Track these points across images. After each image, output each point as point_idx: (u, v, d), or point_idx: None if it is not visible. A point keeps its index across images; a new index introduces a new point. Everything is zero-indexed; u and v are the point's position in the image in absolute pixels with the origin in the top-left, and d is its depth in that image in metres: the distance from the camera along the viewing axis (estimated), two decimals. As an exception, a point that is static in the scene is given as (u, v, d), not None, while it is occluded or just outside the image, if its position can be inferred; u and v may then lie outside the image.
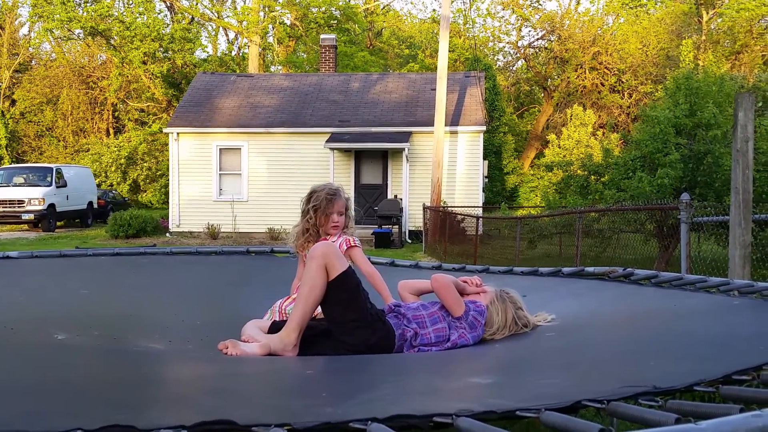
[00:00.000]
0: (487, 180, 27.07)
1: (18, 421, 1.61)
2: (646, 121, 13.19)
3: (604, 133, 32.38)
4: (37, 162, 36.40)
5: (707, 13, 37.27)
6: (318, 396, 2.09)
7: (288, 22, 39.05)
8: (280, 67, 41.50)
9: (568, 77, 38.60)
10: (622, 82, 37.59)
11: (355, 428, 1.58)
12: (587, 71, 38.16)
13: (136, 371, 2.56)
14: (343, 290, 3.11)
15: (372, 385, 2.30)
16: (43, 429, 1.47)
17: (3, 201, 22.42)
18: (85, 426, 1.49)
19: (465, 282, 3.48)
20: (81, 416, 1.61)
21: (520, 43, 42.59)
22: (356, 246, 3.90)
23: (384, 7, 45.71)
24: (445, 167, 20.24)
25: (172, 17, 41.72)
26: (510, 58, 45.37)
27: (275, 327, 3.21)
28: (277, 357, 2.97)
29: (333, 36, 27.50)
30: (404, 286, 3.64)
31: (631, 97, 37.59)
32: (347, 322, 3.10)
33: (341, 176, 21.05)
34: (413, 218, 20.61)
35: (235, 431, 1.55)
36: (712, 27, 37.82)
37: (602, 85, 38.23)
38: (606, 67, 37.91)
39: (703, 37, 36.83)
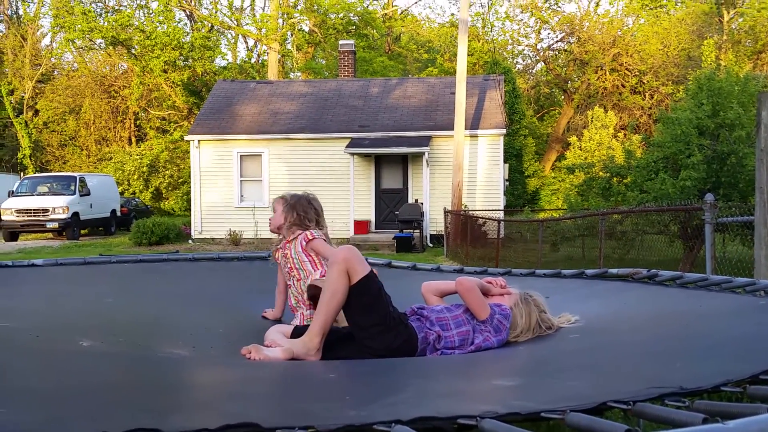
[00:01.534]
0: (508, 183, 26.98)
1: (43, 427, 1.62)
2: (667, 124, 13.10)
3: (625, 135, 32.15)
4: (60, 171, 36.77)
5: (728, 12, 36.93)
6: (341, 399, 2.09)
7: (307, 29, 39.22)
8: (299, 74, 41.66)
9: (588, 79, 38.38)
10: (643, 83, 37.31)
11: (379, 430, 1.58)
12: (608, 73, 37.91)
13: (160, 376, 2.57)
14: (365, 294, 3.10)
15: (395, 388, 2.30)
16: (69, 433, 1.48)
17: (28, 210, 22.65)
18: (109, 430, 1.50)
19: (489, 283, 3.46)
20: (106, 420, 1.62)
21: (539, 46, 42.44)
22: (315, 238, 3.96)
23: (402, 12, 45.77)
24: (465, 171, 20.19)
25: (191, 26, 42.04)
26: (529, 61, 45.21)
27: (298, 332, 3.21)
28: (299, 361, 2.98)
29: (352, 42, 27.58)
30: (428, 288, 3.62)
31: (652, 98, 37.30)
32: (370, 327, 3.10)
33: (361, 181, 21.08)
34: (434, 222, 20.58)
35: (259, 434, 1.56)
36: (734, 27, 37.45)
37: (623, 86, 37.96)
38: (627, 69, 37.65)
39: (725, 37, 36.47)
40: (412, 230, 19.09)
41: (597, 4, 47.86)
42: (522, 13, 42.42)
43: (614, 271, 4.48)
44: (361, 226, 20.61)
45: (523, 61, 45.31)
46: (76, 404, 1.96)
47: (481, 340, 3.17)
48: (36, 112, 41.48)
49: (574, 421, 1.63)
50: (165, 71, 36.19)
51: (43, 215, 22.65)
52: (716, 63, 29.32)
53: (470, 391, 2.21)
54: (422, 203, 20.15)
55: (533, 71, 45.10)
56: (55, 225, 22.73)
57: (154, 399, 2.07)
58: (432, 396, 2.09)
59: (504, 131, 21.36)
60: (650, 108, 35.83)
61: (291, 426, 1.55)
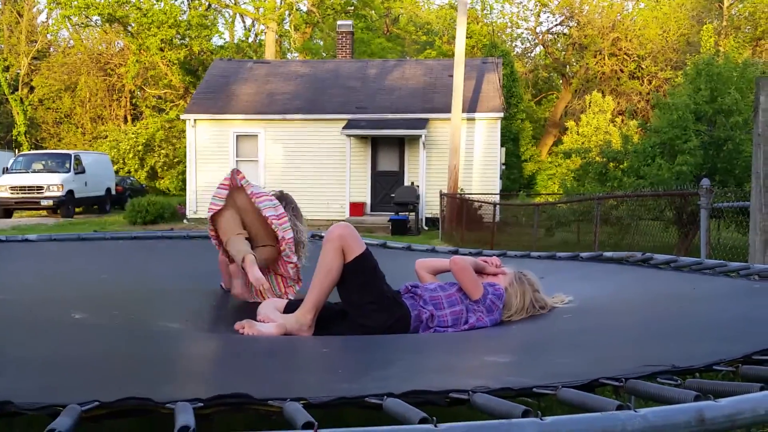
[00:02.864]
0: (504, 167, 26.95)
1: (37, 394, 1.62)
2: (663, 109, 13.07)
3: (623, 120, 32.10)
4: (55, 149, 36.62)
5: (728, -2, 36.82)
6: (334, 372, 2.09)
7: (305, 9, 38.98)
8: (296, 54, 41.44)
9: (586, 63, 38.26)
10: (642, 68, 37.22)
11: (371, 403, 1.58)
12: (606, 57, 37.80)
13: (153, 349, 2.57)
14: (360, 273, 3.09)
15: (388, 363, 2.30)
16: (62, 401, 1.48)
17: (22, 187, 22.57)
18: (103, 398, 1.50)
19: (485, 262, 3.46)
20: (98, 390, 1.62)
21: (538, 29, 42.27)
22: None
23: (401, -7, 45.51)
24: (462, 154, 20.15)
25: (189, 4, 41.75)
26: (528, 45, 45.04)
27: (291, 307, 3.21)
28: (292, 336, 2.98)
29: (350, 22, 27.43)
30: (421, 265, 3.61)
31: (650, 83, 37.22)
32: (364, 305, 3.09)
33: (358, 163, 21.03)
34: (430, 205, 20.56)
35: (250, 405, 1.56)
36: (733, 12, 37.34)
37: (621, 71, 37.86)
38: (625, 53, 37.53)
39: (724, 23, 36.37)
40: (407, 213, 19.08)
41: (597, -11, 47.56)
42: (521, -4, 42.23)
43: (609, 254, 4.48)
44: (356, 208, 20.59)
45: (522, 44, 45.17)
46: (68, 374, 1.95)
47: (474, 319, 3.16)
48: (31, 89, 41.27)
49: (566, 397, 1.63)
50: (161, 49, 35.98)
51: (37, 192, 22.57)
52: (715, 49, 29.25)
53: (463, 367, 2.21)
54: (418, 186, 20.13)
55: (532, 55, 44.95)
56: (50, 202, 22.66)
57: (146, 370, 2.07)
58: (424, 371, 2.09)
59: (501, 115, 21.31)
60: (648, 93, 35.73)
61: (282, 397, 1.55)
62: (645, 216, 11.57)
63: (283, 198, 4.21)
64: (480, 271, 3.38)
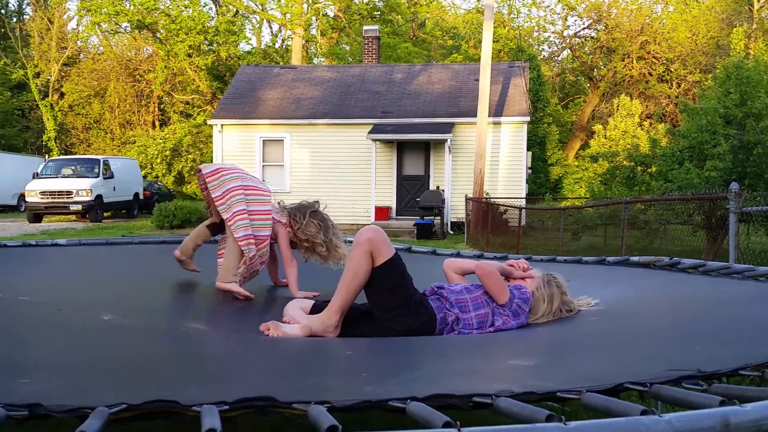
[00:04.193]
0: (530, 171, 26.81)
1: (66, 397, 1.65)
2: (691, 114, 12.94)
3: (651, 124, 31.83)
4: (84, 154, 37.05)
5: (758, 1, 36.36)
6: (358, 375, 2.10)
7: (331, 14, 39.12)
8: (323, 59, 41.60)
9: (614, 67, 37.99)
10: (671, 71, 36.88)
11: (395, 407, 1.58)
12: (634, 61, 37.51)
13: (179, 351, 2.59)
14: (389, 277, 3.08)
15: (412, 366, 2.30)
16: (90, 404, 1.50)
17: (52, 192, 22.84)
18: (130, 401, 1.52)
19: (512, 266, 3.44)
20: (126, 392, 1.64)
21: (565, 33, 42.06)
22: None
23: (427, -2, 45.52)
24: (488, 158, 20.08)
25: (216, 10, 42.10)
26: (555, 48, 44.83)
27: (317, 308, 3.21)
28: (317, 338, 2.99)
29: (376, 27, 27.46)
30: (449, 265, 3.60)
31: (679, 86, 36.88)
32: (391, 309, 3.08)
33: (383, 167, 21.05)
34: (455, 209, 20.51)
35: (275, 408, 1.57)
36: (764, 15, 36.86)
37: (650, 74, 37.55)
38: (654, 57, 37.22)
39: (754, 26, 35.92)
40: (432, 217, 19.04)
41: (624, -9, 47.22)
42: (548, -1, 42.06)
43: (636, 258, 4.45)
44: (382, 212, 20.60)
45: (549, 48, 44.98)
46: (96, 376, 1.98)
47: (501, 323, 3.15)
48: (61, 95, 41.81)
49: (590, 402, 1.63)
50: (189, 55, 36.30)
51: (66, 197, 22.82)
52: (745, 52, 28.91)
53: (486, 371, 2.21)
54: (443, 190, 20.09)
55: (559, 58, 44.74)
56: (79, 207, 22.90)
57: (173, 373, 2.09)
58: (448, 374, 2.09)
59: (528, 119, 21.20)
60: (677, 97, 35.37)
61: (307, 401, 1.56)
62: (673, 220, 11.45)
63: (306, 211, 4.31)
64: (507, 276, 3.37)
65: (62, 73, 42.07)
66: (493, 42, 25.20)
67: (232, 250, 4.11)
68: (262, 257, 4.23)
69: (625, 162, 14.56)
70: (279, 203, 4.51)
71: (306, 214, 4.32)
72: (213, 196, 4.19)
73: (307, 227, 4.25)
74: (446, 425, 1.39)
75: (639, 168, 13.92)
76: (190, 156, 35.61)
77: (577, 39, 41.86)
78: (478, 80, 20.35)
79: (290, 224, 4.30)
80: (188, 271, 4.57)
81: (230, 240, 4.15)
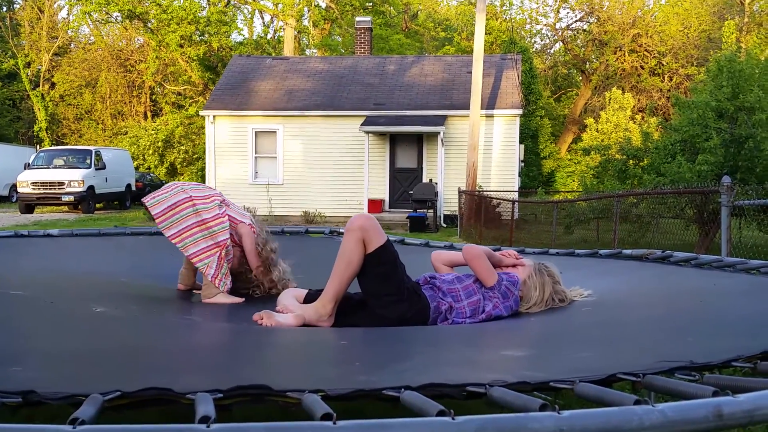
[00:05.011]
0: (523, 164, 26.85)
1: (60, 384, 1.65)
2: (683, 108, 12.97)
3: (643, 117, 31.89)
4: (76, 144, 36.91)
5: (750, -6, 36.47)
6: (351, 365, 2.10)
7: (323, 5, 39.01)
8: (315, 50, 41.50)
9: (606, 60, 38.04)
10: (663, 64, 36.95)
11: (388, 395, 1.59)
12: (627, 54, 37.56)
13: (172, 340, 2.59)
14: (381, 264, 3.08)
15: (405, 356, 2.31)
16: (84, 391, 1.50)
17: (44, 183, 22.77)
18: (124, 388, 1.52)
19: (503, 255, 3.45)
20: (119, 380, 1.64)
21: (557, 26, 42.05)
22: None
23: (420, -10, 45.43)
24: (480, 151, 20.10)
25: (208, 0, 41.92)
26: (547, 41, 44.83)
27: (311, 297, 3.21)
28: (311, 327, 2.99)
29: (368, 18, 27.40)
30: (437, 257, 3.62)
31: (671, 80, 36.95)
32: (384, 296, 3.09)
33: (376, 160, 21.03)
34: (448, 202, 20.53)
35: (270, 396, 1.57)
36: (755, 9, 36.97)
37: (642, 68, 37.61)
38: (646, 50, 37.27)
39: (746, 19, 36.02)
40: (425, 210, 19.06)
41: (617, -15, 47.25)
42: (541, -9, 42.01)
43: (628, 251, 4.47)
44: (374, 205, 20.60)
45: (541, 40, 44.96)
46: (90, 366, 1.98)
47: (491, 307, 3.16)
48: (52, 85, 41.61)
49: (583, 392, 1.64)
50: (181, 46, 36.11)
51: (58, 188, 22.76)
52: (737, 45, 28.98)
53: (480, 361, 2.21)
54: (436, 183, 20.10)
55: (551, 51, 44.75)
56: (71, 198, 22.85)
57: (166, 361, 2.09)
58: (442, 364, 2.10)
59: (520, 111, 21.23)
60: (669, 90, 35.50)
61: (301, 389, 1.56)
62: (665, 214, 11.49)
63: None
64: (498, 264, 3.38)
65: (53, 63, 41.86)
66: (486, 34, 25.19)
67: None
68: (230, 261, 4.03)
69: (617, 155, 14.59)
70: (246, 208, 4.45)
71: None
72: (153, 212, 3.99)
73: (272, 243, 4.15)
74: (440, 414, 1.39)
75: (631, 161, 13.95)
76: (182, 147, 35.47)
77: (570, 32, 41.88)
78: (470, 72, 20.36)
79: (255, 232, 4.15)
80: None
81: None
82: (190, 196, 4.02)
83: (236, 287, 4.08)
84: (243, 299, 3.94)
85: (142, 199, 4.22)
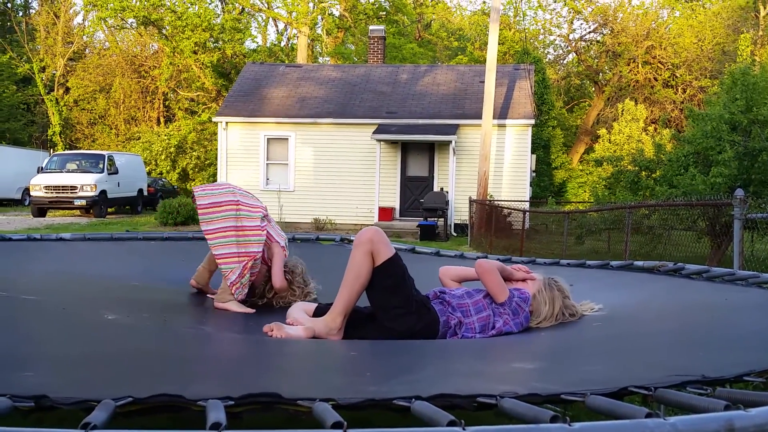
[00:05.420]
0: (534, 174, 26.81)
1: (72, 389, 1.65)
2: (696, 120, 12.93)
3: (656, 129, 31.79)
4: (89, 149, 37.10)
5: (765, 7, 36.34)
6: (362, 375, 2.10)
7: (337, 14, 39.15)
8: (328, 58, 41.62)
9: (620, 71, 37.97)
10: (676, 77, 36.84)
11: (399, 405, 1.58)
12: (640, 65, 37.48)
13: (184, 349, 2.60)
14: (389, 276, 3.08)
15: (416, 367, 2.31)
16: (96, 396, 1.50)
17: (56, 187, 22.88)
18: (136, 395, 1.52)
19: (513, 269, 3.44)
20: (130, 386, 1.65)
21: (571, 36, 42.04)
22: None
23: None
24: (492, 160, 20.09)
25: (222, 8, 42.12)
26: (561, 52, 44.81)
27: (321, 310, 3.22)
28: (321, 339, 2.99)
29: (382, 27, 27.47)
30: (445, 272, 3.61)
31: (685, 92, 36.84)
32: (392, 309, 3.08)
33: (387, 168, 21.05)
34: (459, 211, 20.51)
35: (280, 405, 1.57)
36: (770, 22, 36.88)
37: (655, 79, 37.51)
38: (660, 62, 37.18)
39: (761, 32, 35.91)
40: (436, 218, 19.05)
41: (631, -4, 47.19)
42: (555, 2, 42.09)
43: (640, 263, 4.45)
44: (385, 213, 20.61)
45: (555, 51, 44.95)
46: (100, 370, 1.99)
47: (501, 323, 3.15)
48: (67, 90, 41.87)
49: (594, 404, 1.63)
50: (195, 52, 36.31)
51: (71, 192, 22.88)
52: (751, 58, 28.88)
53: (491, 373, 2.21)
54: (447, 192, 20.09)
55: (564, 62, 44.70)
56: (83, 202, 22.95)
57: (178, 369, 2.09)
58: (452, 375, 2.10)
59: (532, 121, 21.21)
60: (682, 102, 35.38)
61: (312, 398, 1.56)
62: (677, 226, 11.44)
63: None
64: (508, 279, 3.37)
65: (68, 68, 42.14)
66: (499, 44, 25.21)
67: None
68: (254, 274, 4.04)
69: (629, 167, 14.55)
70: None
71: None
72: (198, 203, 4.05)
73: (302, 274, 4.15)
74: (451, 424, 1.39)
75: (643, 173, 13.91)
76: (194, 153, 35.61)
77: (583, 43, 41.85)
78: (483, 82, 20.36)
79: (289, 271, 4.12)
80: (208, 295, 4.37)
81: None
82: (238, 200, 4.07)
83: (251, 299, 4.08)
84: (254, 311, 3.93)
85: (194, 187, 4.27)
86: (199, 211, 4.05)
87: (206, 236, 4.00)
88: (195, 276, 4.30)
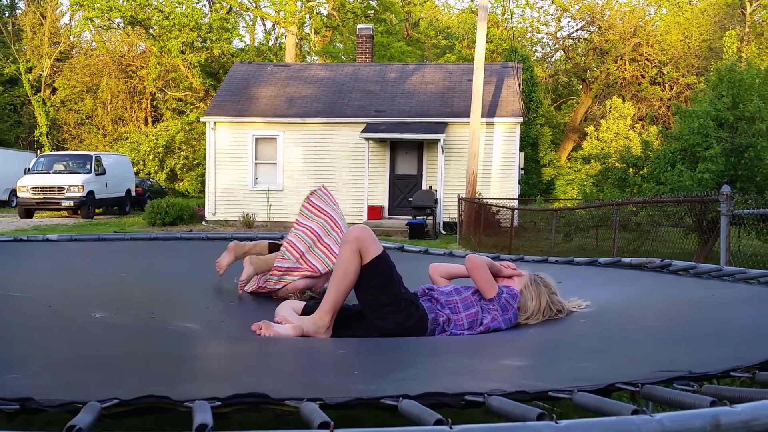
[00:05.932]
0: (523, 172, 26.86)
1: (58, 391, 1.64)
2: (683, 117, 12.99)
3: (643, 126, 31.93)
4: (77, 150, 36.92)
5: (751, 4, 36.52)
6: (350, 374, 2.10)
7: (325, 12, 39.11)
8: (316, 57, 41.59)
9: (607, 69, 38.10)
10: (663, 74, 37.00)
11: (387, 404, 1.58)
12: (627, 63, 37.62)
13: (171, 348, 2.59)
14: (377, 274, 3.08)
15: (404, 365, 2.31)
16: (82, 398, 1.49)
17: (43, 187, 22.76)
18: (122, 396, 1.51)
19: (501, 266, 3.45)
20: (117, 387, 1.64)
21: (559, 34, 42.12)
22: None
23: (421, -2, 45.57)
24: (480, 159, 20.11)
25: (210, 7, 42.02)
26: (548, 49, 44.92)
27: (309, 309, 3.21)
28: (310, 338, 2.98)
29: (370, 26, 27.45)
30: (435, 269, 3.62)
31: (672, 89, 37.00)
32: (381, 307, 3.08)
33: (376, 166, 21.05)
34: (448, 210, 20.53)
35: (267, 405, 1.57)
36: (756, 19, 37.05)
37: (642, 77, 37.67)
38: (647, 59, 37.34)
39: (747, 29, 36.08)
40: (425, 217, 19.06)
41: (618, -6, 47.34)
42: (542, 0, 42.13)
43: (627, 260, 4.46)
44: (374, 211, 20.61)
45: (542, 49, 45.06)
46: (88, 372, 1.98)
47: (489, 319, 3.16)
48: (53, 91, 41.65)
49: (581, 401, 1.63)
50: (182, 52, 36.19)
51: (58, 193, 22.75)
52: (737, 55, 29.04)
53: (478, 370, 2.21)
54: (436, 190, 20.11)
55: (552, 60, 44.82)
56: (70, 203, 22.84)
57: (164, 369, 2.09)
58: (440, 373, 2.10)
59: (520, 119, 21.25)
60: (669, 99, 35.53)
61: (299, 397, 1.56)
62: (665, 222, 11.49)
63: None
64: (495, 274, 3.38)
65: (54, 69, 41.91)
66: (487, 42, 25.24)
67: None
68: (298, 278, 4.10)
69: (617, 164, 14.60)
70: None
71: None
72: (310, 199, 4.25)
73: None
74: (438, 423, 1.39)
75: (631, 170, 13.97)
76: (182, 153, 35.52)
77: (571, 40, 41.96)
78: (471, 80, 20.39)
79: None
80: (215, 269, 4.48)
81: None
82: (338, 223, 4.25)
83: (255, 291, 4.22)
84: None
85: (320, 187, 4.44)
86: (306, 205, 4.27)
87: (295, 225, 4.20)
88: (237, 244, 4.45)
